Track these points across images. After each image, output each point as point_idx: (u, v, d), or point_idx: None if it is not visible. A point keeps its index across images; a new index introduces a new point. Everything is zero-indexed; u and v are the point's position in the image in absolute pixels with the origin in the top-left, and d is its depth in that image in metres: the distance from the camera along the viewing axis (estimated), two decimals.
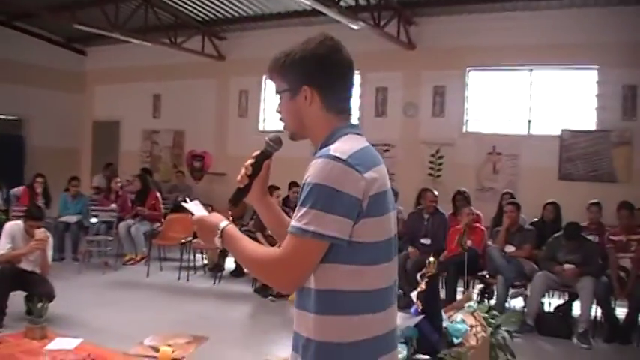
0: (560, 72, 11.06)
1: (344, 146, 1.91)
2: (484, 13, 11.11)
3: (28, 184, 10.91)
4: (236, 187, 2.22)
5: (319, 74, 2.03)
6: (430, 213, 8.71)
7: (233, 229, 2.04)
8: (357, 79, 12.05)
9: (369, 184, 1.88)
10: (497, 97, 11.50)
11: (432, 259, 3.74)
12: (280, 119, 2.15)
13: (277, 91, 2.12)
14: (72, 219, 10.24)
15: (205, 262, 10.21)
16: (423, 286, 3.62)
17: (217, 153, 13.98)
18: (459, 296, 8.16)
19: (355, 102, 12.45)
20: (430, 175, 11.57)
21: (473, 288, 8.22)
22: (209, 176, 13.93)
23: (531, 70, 11.17)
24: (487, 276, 8.04)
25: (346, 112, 2.10)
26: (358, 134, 2.04)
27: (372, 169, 1.91)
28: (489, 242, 8.35)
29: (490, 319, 3.84)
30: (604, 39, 10.35)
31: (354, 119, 2.13)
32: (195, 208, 2.24)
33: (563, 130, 10.79)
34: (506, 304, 7.74)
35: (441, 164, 11.56)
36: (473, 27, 11.19)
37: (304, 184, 1.88)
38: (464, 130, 11.59)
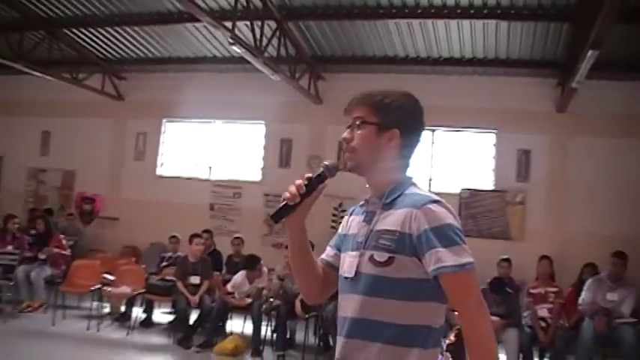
0: (461, 133, 11.65)
1: (430, 193, 2.11)
2: (390, 73, 11.56)
3: None
4: (283, 202, 2.19)
5: (411, 126, 2.21)
6: None
7: None
8: (261, 129, 12.35)
9: None
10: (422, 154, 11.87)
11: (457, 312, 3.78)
12: (349, 148, 2.21)
13: (362, 121, 2.19)
14: None
15: (108, 310, 9.70)
16: (452, 338, 3.66)
17: (110, 196, 13.36)
18: None
19: (259, 152, 12.48)
20: (333, 227, 11.67)
21: None
22: (100, 220, 13.29)
23: (434, 130, 11.70)
24: None
25: (409, 164, 2.26)
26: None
27: None
28: None
29: None
30: (503, 105, 11.12)
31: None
32: None
33: (462, 189, 11.32)
34: None
35: (342, 217, 11.68)
36: (380, 86, 11.49)
37: (427, 230, 1.99)
38: (367, 185, 11.80)
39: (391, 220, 2.08)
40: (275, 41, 10.13)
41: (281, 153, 12.33)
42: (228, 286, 8.71)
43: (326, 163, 2.24)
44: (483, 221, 11.21)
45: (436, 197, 2.06)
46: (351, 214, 2.40)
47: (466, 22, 9.80)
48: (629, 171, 10.62)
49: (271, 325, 8.39)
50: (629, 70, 10.26)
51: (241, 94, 12.11)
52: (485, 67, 11.10)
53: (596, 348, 7.39)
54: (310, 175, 2.21)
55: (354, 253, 2.18)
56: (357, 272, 2.12)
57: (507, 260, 9.10)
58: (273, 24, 9.91)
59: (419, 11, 9.64)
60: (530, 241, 10.85)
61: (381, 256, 2.05)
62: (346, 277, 2.18)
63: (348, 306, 2.14)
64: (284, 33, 10.20)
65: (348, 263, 2.20)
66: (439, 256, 1.96)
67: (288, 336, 8.34)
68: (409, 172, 2.25)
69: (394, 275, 2.03)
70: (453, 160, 11.71)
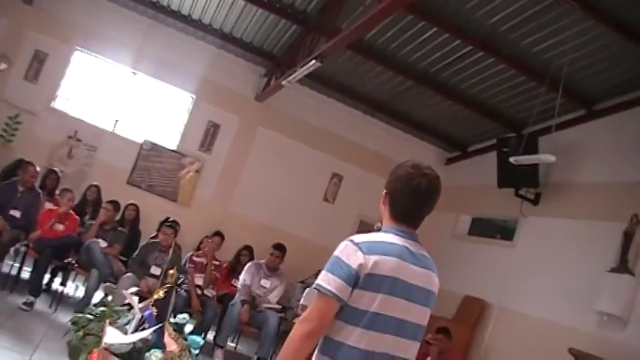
0: (162, 86, 11.62)
1: (366, 236, 2.60)
2: (110, 1, 11.14)
3: None
4: None
5: (394, 189, 2.70)
6: (26, 187, 8.25)
7: None
8: None
9: (367, 262, 2.46)
10: (96, 85, 11.50)
11: (172, 271, 4.00)
12: None
13: None
14: None
15: None
16: (161, 294, 3.86)
17: None
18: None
19: None
20: (1, 136, 10.86)
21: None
22: None
23: (135, 73, 11.50)
24: (76, 266, 8.05)
25: (403, 219, 2.69)
26: (394, 233, 2.64)
27: (378, 254, 2.49)
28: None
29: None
30: (209, 75, 11.58)
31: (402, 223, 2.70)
32: None
33: (145, 140, 11.35)
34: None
35: (16, 129, 10.91)
36: (93, 10, 11.06)
37: None
38: (52, 105, 11.23)
39: None
40: None
41: None
42: None
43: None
44: (156, 177, 11.36)
45: (352, 237, 2.57)
46: None
47: None
48: (313, 175, 11.98)
49: None
50: (334, 89, 11.41)
51: None
52: (206, 33, 11.24)
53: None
54: None
55: None
56: None
57: (173, 227, 9.29)
58: None
59: None
60: (195, 209, 11.38)
61: None
62: None
63: None
64: None
65: None
66: None
67: None
68: (397, 224, 2.68)
69: None
70: (146, 109, 11.65)
